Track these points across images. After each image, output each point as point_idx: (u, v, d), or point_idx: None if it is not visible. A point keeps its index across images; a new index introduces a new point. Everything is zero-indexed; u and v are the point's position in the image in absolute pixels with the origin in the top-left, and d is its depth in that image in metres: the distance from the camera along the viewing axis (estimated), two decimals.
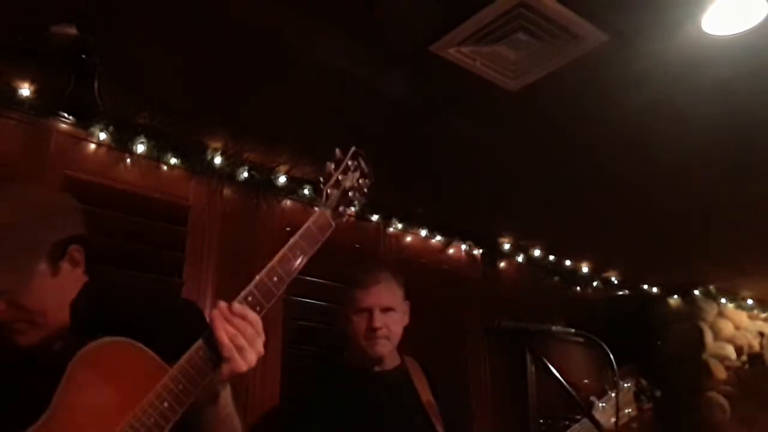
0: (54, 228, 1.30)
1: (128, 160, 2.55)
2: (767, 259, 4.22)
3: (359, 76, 2.24)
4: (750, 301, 5.19)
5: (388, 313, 2.11)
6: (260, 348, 1.24)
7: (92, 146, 2.49)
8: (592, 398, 2.11)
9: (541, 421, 1.93)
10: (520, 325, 1.93)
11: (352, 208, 1.47)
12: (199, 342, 1.21)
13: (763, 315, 5.30)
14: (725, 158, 2.83)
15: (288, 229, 2.98)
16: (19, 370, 1.29)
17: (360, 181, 1.47)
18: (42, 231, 1.27)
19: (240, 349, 1.20)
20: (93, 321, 1.32)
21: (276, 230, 2.94)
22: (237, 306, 1.23)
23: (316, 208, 1.41)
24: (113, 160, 2.52)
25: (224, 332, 1.19)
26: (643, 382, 2.16)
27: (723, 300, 4.99)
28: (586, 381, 3.46)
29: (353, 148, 1.50)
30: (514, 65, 2.17)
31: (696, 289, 4.82)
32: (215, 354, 1.20)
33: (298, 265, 1.35)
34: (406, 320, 2.21)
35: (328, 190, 1.44)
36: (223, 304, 1.23)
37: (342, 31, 2.02)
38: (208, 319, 1.23)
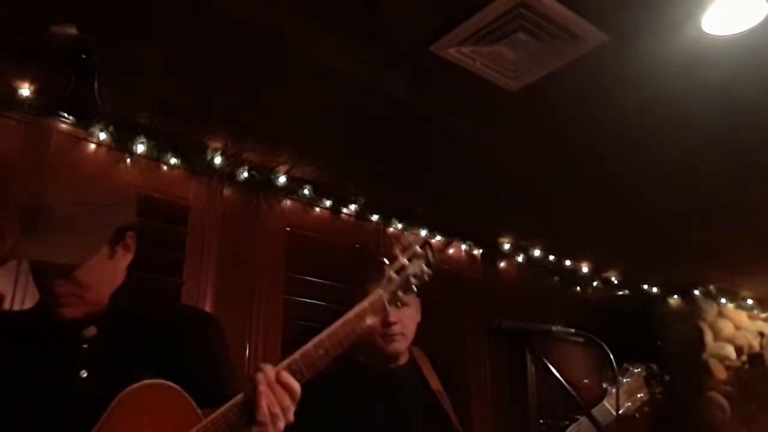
0: (118, 215, 1.38)
1: (128, 160, 2.55)
2: (767, 259, 4.22)
3: (359, 76, 2.24)
4: (750, 301, 5.19)
5: (402, 309, 2.10)
6: (291, 417, 1.27)
7: (92, 146, 2.49)
8: (605, 385, 2.13)
9: (541, 421, 1.93)
10: (520, 325, 1.93)
11: (409, 294, 1.45)
12: (238, 398, 1.25)
13: (763, 315, 5.31)
14: (725, 158, 2.83)
15: (288, 228, 2.99)
16: (42, 347, 1.33)
17: (423, 268, 1.46)
18: (109, 216, 1.35)
19: (274, 417, 1.24)
20: (127, 316, 1.39)
21: (276, 230, 2.94)
22: (285, 375, 1.27)
23: (378, 290, 1.41)
24: (113, 160, 2.52)
25: (265, 399, 1.23)
26: (653, 366, 2.22)
27: (723, 300, 4.99)
28: (586, 381, 3.46)
29: (424, 238, 1.54)
30: (514, 65, 2.17)
31: (696, 289, 4.83)
32: (250, 415, 1.24)
33: (346, 342, 1.35)
34: (418, 317, 2.20)
35: (392, 274, 1.43)
36: (270, 370, 1.26)
37: (342, 31, 2.02)
38: (254, 381, 1.25)
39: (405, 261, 1.44)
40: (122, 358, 1.34)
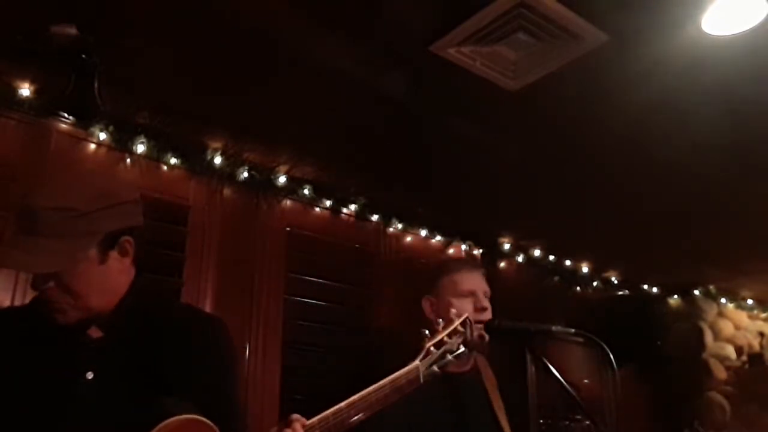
0: (112, 219, 1.33)
1: (128, 160, 2.55)
2: (767, 259, 4.22)
3: (359, 76, 2.24)
4: (750, 301, 5.19)
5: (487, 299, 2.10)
6: None
7: (92, 146, 2.49)
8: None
9: (541, 421, 1.93)
10: (520, 325, 1.92)
11: (439, 369, 1.50)
12: None
13: (763, 315, 5.31)
14: (725, 158, 2.83)
15: (288, 228, 2.99)
16: (45, 347, 1.32)
17: (459, 347, 1.53)
18: (99, 220, 1.30)
19: None
20: (135, 319, 1.37)
21: (276, 230, 2.94)
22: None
23: (416, 362, 1.47)
24: (113, 160, 2.52)
25: None
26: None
27: (723, 300, 4.99)
28: (586, 381, 3.47)
29: (466, 315, 1.58)
30: (514, 65, 2.17)
31: (696, 289, 4.83)
32: None
33: (377, 407, 1.41)
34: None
35: (432, 348, 1.49)
36: (299, 426, 1.30)
37: (342, 31, 2.02)
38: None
39: (445, 337, 1.50)
40: (130, 361, 1.32)
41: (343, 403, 1.35)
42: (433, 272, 2.15)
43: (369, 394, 1.39)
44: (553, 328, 1.90)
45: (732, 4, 1.86)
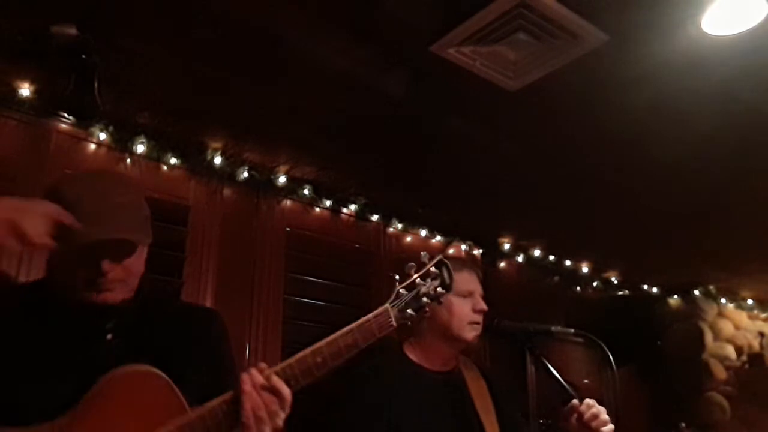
0: (146, 209, 1.42)
1: (128, 160, 2.55)
2: (767, 259, 4.22)
3: (359, 76, 2.24)
4: (750, 301, 5.19)
5: None
6: (279, 423, 1.25)
7: (92, 146, 2.49)
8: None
9: (541, 421, 1.93)
10: (520, 325, 1.92)
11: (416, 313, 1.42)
12: (227, 396, 1.24)
13: (763, 315, 5.31)
14: (725, 158, 2.83)
15: (288, 228, 2.99)
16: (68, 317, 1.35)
17: (437, 290, 1.43)
18: (145, 208, 1.40)
19: (259, 420, 1.22)
20: (148, 308, 1.42)
21: (276, 230, 2.94)
22: (275, 380, 1.25)
23: (385, 304, 1.39)
24: (113, 160, 2.52)
25: (250, 401, 1.22)
26: None
27: (723, 300, 4.99)
28: (585, 381, 3.47)
29: (440, 257, 1.47)
30: (514, 65, 2.17)
31: (696, 289, 4.83)
32: (236, 414, 1.23)
33: (346, 352, 1.33)
34: None
35: (401, 290, 1.41)
36: (257, 373, 1.25)
37: (342, 31, 2.02)
38: (243, 379, 1.24)
39: (417, 278, 1.42)
40: (140, 339, 1.37)
41: (307, 350, 1.30)
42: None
43: (336, 339, 1.32)
44: (553, 328, 1.90)
45: (732, 4, 1.86)
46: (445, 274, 1.44)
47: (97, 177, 1.50)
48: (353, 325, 1.35)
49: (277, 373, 1.26)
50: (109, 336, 1.37)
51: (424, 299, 1.41)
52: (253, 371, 1.24)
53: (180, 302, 1.65)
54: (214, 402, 1.24)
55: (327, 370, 1.31)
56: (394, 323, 1.38)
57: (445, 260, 1.47)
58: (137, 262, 1.38)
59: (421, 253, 1.45)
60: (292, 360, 1.29)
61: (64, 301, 1.34)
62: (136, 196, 1.40)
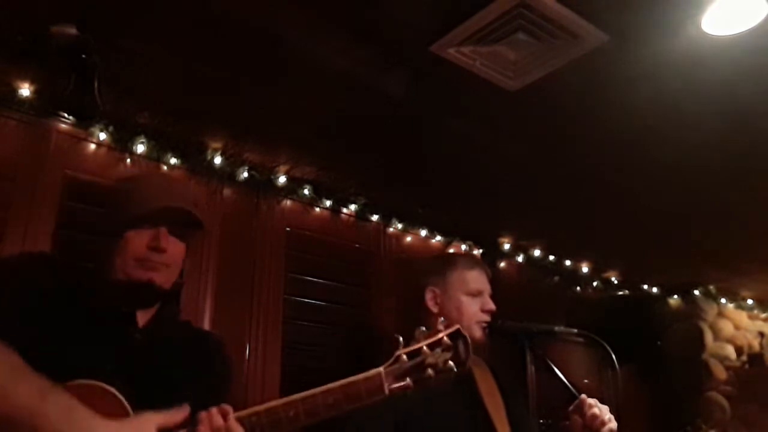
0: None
1: (128, 160, 2.54)
2: (767, 259, 4.22)
3: (359, 76, 2.24)
4: (750, 301, 5.19)
5: None
6: None
7: (92, 146, 2.49)
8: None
9: (541, 421, 1.93)
10: (521, 325, 1.92)
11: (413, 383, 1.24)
12: (185, 428, 1.18)
13: (763, 315, 5.31)
14: (725, 158, 2.83)
15: (288, 228, 2.99)
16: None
17: (447, 363, 1.24)
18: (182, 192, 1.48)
19: None
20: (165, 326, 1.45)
21: (276, 230, 2.94)
22: (232, 423, 1.16)
23: (380, 368, 1.22)
24: (113, 160, 2.52)
25: None
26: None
27: (723, 300, 4.99)
28: (586, 381, 3.46)
29: (458, 327, 1.30)
30: (514, 65, 2.17)
31: (696, 289, 4.83)
32: None
33: (324, 412, 1.19)
34: None
35: (403, 355, 1.23)
36: (218, 415, 1.16)
37: (342, 31, 2.02)
38: (200, 418, 1.17)
39: (424, 346, 1.24)
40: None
41: (280, 401, 1.20)
42: (439, 264, 2.12)
43: (313, 396, 1.20)
44: (555, 328, 1.90)
45: (732, 4, 1.86)
46: (461, 348, 1.26)
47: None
48: (336, 384, 1.21)
49: (240, 419, 1.17)
50: (137, 335, 1.38)
51: (429, 371, 1.23)
52: (214, 412, 1.17)
53: (189, 327, 1.65)
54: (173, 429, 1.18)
55: (300, 425, 1.20)
56: (386, 391, 1.21)
57: (465, 334, 1.29)
58: (182, 253, 1.41)
59: (440, 318, 1.31)
60: (260, 408, 1.19)
61: (104, 282, 1.36)
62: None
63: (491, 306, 2.00)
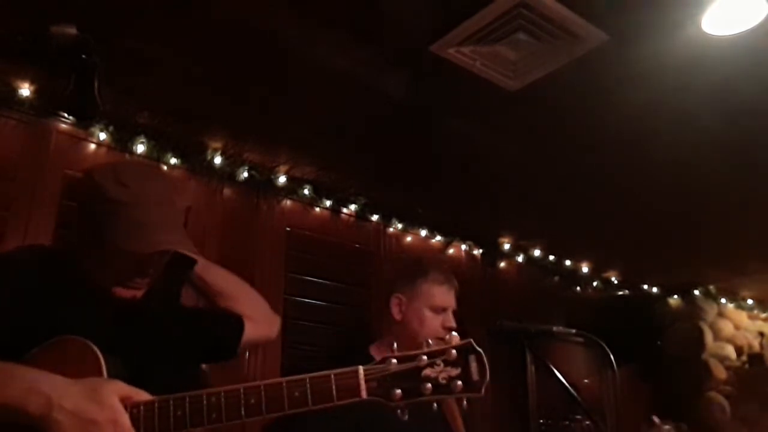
0: (182, 196, 1.42)
1: None
2: (767, 259, 4.22)
3: (359, 76, 2.24)
4: (750, 301, 5.19)
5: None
6: None
7: (92, 146, 2.49)
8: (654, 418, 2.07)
9: (541, 421, 1.93)
10: (521, 325, 1.92)
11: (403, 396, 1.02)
12: None
13: (763, 315, 5.31)
14: (725, 158, 2.83)
15: (288, 228, 2.99)
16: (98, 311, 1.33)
17: (451, 381, 1.01)
18: (178, 201, 1.36)
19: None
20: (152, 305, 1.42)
21: (276, 230, 2.94)
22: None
23: (359, 366, 1.02)
24: (113, 160, 2.52)
25: None
26: (683, 426, 2.11)
27: (723, 300, 4.99)
28: (586, 381, 3.47)
29: (470, 341, 1.07)
30: (514, 65, 2.17)
31: (696, 289, 4.83)
32: None
33: (290, 406, 1.03)
34: None
35: (393, 360, 1.03)
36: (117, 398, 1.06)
37: (342, 31, 2.02)
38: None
39: (423, 356, 1.03)
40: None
41: (242, 384, 1.08)
42: (410, 272, 2.09)
43: (279, 384, 1.06)
44: (554, 328, 1.90)
45: (732, 4, 1.86)
46: (474, 368, 1.03)
47: (149, 171, 1.49)
48: (306, 375, 1.05)
49: (193, 398, 1.04)
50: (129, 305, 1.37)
51: (427, 385, 1.01)
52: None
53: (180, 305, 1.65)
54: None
55: (266, 420, 1.05)
56: (363, 394, 1.00)
57: (479, 350, 1.06)
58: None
59: (453, 333, 1.11)
60: (219, 389, 1.06)
61: (88, 282, 1.34)
62: (169, 192, 1.37)
63: (452, 324, 1.99)
